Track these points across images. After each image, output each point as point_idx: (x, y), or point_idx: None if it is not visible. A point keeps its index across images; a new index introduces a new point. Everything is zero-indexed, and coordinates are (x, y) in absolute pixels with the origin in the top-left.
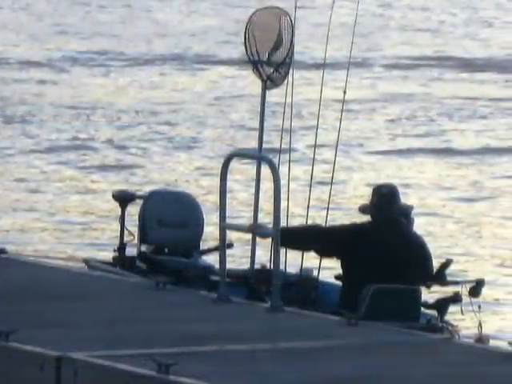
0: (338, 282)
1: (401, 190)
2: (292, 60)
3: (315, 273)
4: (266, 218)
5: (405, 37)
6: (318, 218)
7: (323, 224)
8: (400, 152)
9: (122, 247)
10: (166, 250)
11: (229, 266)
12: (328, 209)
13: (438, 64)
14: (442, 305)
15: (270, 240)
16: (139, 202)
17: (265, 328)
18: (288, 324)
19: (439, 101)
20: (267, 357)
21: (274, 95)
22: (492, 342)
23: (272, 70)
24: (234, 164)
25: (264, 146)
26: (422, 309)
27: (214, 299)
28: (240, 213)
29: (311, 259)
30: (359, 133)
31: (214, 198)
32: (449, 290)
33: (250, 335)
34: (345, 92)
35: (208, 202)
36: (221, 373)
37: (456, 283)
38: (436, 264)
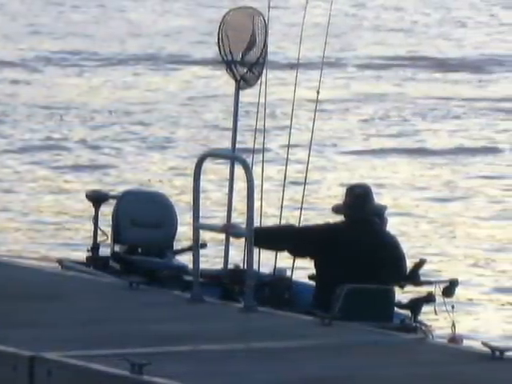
0: (312, 282)
1: (374, 189)
2: (265, 60)
3: (289, 273)
4: (239, 218)
5: (378, 37)
6: (291, 218)
7: (297, 224)
8: (373, 152)
9: (95, 247)
10: (140, 250)
11: (202, 266)
12: (301, 209)
13: (412, 64)
14: (415, 305)
15: (243, 240)
16: (113, 202)
17: (238, 328)
18: (262, 324)
19: (412, 101)
20: (241, 357)
21: (248, 95)
22: (465, 342)
23: (245, 70)
24: (208, 164)
25: (237, 145)
26: (396, 309)
27: (187, 299)
28: (213, 213)
29: (285, 259)
30: (333, 133)
31: (188, 197)
32: (422, 290)
33: (224, 335)
34: (318, 92)
35: (181, 202)
36: (194, 373)
37: (429, 283)
38: (409, 264)
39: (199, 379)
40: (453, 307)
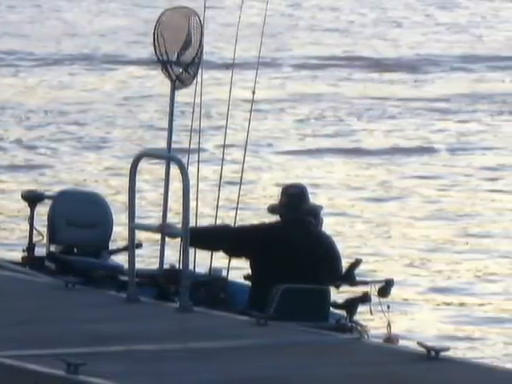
0: (247, 282)
1: (310, 189)
2: (201, 60)
3: (224, 273)
4: (175, 218)
5: (314, 37)
6: (227, 218)
7: (232, 224)
8: (309, 152)
9: (31, 247)
10: (76, 250)
11: (138, 266)
12: (237, 209)
13: (347, 64)
14: (351, 305)
15: (179, 240)
16: (48, 202)
17: (174, 328)
18: (197, 324)
19: (348, 101)
20: (177, 357)
21: (183, 95)
22: (401, 342)
23: (181, 70)
24: (143, 164)
25: (173, 146)
26: (331, 309)
27: (123, 299)
28: (149, 213)
29: (220, 259)
30: (268, 133)
31: (123, 197)
32: (358, 290)
33: (160, 335)
34: (254, 92)
35: (117, 202)
36: (130, 373)
37: (365, 283)
38: (345, 264)
39: (135, 379)
40: (388, 307)
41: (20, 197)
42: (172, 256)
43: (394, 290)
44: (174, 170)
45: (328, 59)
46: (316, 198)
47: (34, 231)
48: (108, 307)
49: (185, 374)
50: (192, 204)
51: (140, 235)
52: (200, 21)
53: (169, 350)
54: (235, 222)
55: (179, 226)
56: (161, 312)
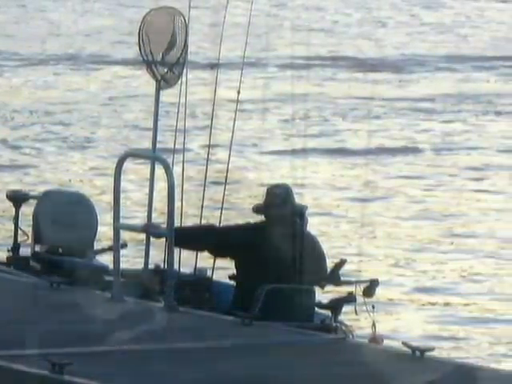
0: (232, 282)
1: (295, 189)
2: (186, 60)
3: (209, 273)
4: (159, 218)
5: (299, 37)
6: (211, 218)
7: (217, 224)
8: (294, 152)
9: (16, 247)
10: (61, 250)
11: (123, 266)
12: (222, 209)
13: (332, 64)
14: (336, 305)
15: (163, 240)
16: (33, 202)
17: (159, 328)
18: (182, 324)
19: (333, 101)
20: (161, 357)
21: (168, 95)
22: (386, 342)
23: (166, 70)
24: (128, 164)
25: (158, 146)
26: (316, 309)
27: (108, 299)
28: (134, 213)
29: (205, 259)
30: (253, 133)
31: (108, 198)
32: (343, 290)
33: (145, 335)
34: (239, 92)
35: (102, 202)
36: (115, 373)
37: (350, 283)
38: (330, 264)
39: (120, 379)
40: (373, 307)
41: (5, 197)
42: (157, 256)
43: (378, 290)
44: (159, 170)
45: (313, 59)
46: (301, 198)
47: (19, 231)
48: (93, 307)
49: (170, 374)
50: (177, 204)
51: (125, 235)
52: (185, 21)
53: (154, 350)
54: (220, 222)
55: (164, 225)
56: (146, 312)
